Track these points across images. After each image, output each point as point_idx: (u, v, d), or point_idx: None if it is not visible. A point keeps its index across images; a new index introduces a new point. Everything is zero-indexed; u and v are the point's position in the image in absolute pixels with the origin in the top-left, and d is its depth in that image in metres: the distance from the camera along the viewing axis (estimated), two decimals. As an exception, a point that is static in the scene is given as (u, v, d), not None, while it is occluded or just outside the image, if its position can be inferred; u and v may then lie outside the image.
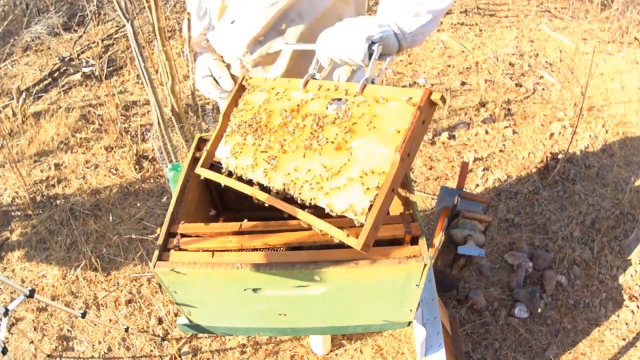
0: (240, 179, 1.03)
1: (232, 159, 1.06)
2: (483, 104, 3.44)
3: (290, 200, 0.91)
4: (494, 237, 2.57)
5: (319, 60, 1.04)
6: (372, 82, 0.92)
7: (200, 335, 2.13)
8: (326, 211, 0.86)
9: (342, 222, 0.86)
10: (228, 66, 1.38)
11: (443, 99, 0.80)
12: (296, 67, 1.29)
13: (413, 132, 0.79)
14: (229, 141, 1.09)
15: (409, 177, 1.15)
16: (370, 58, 0.93)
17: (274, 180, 0.94)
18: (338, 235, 0.82)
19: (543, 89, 3.64)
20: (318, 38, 1.02)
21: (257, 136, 1.02)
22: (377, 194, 0.79)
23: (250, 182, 1.01)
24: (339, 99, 0.94)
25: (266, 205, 0.96)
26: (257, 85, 1.13)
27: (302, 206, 0.89)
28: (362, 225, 0.79)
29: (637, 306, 2.25)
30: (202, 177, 1.13)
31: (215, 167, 1.13)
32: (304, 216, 0.88)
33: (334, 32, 0.99)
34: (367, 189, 0.81)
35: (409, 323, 1.16)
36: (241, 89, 1.16)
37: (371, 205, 0.79)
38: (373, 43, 0.93)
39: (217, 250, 0.98)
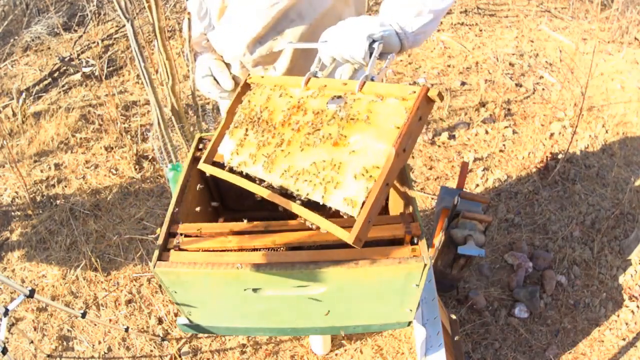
0: (240, 174, 1.04)
1: (233, 155, 1.07)
2: (483, 104, 3.44)
3: (289, 195, 0.92)
4: (494, 237, 2.57)
5: (321, 58, 1.04)
6: (372, 80, 0.93)
7: (200, 335, 2.13)
8: (321, 204, 0.86)
9: (341, 219, 0.86)
10: (228, 66, 1.39)
11: (440, 96, 0.81)
12: (297, 67, 1.29)
13: (409, 128, 0.80)
14: (231, 138, 1.11)
15: (409, 177, 1.15)
16: (371, 56, 0.94)
17: (272, 175, 0.95)
18: (331, 228, 0.83)
19: (543, 89, 3.64)
20: (320, 36, 1.02)
21: (258, 133, 1.04)
22: (372, 188, 0.79)
23: (250, 178, 1.02)
24: (339, 97, 0.94)
25: (259, 198, 0.97)
26: (260, 83, 1.14)
27: (301, 202, 0.90)
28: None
29: (637, 306, 2.25)
30: (208, 174, 1.14)
31: (218, 165, 1.14)
32: (299, 210, 0.89)
33: (336, 30, 0.99)
34: (362, 183, 0.81)
35: (409, 323, 1.16)
36: (246, 87, 1.17)
37: (365, 200, 0.79)
38: (374, 41, 0.94)
39: (217, 250, 0.98)
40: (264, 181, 0.98)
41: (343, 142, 0.88)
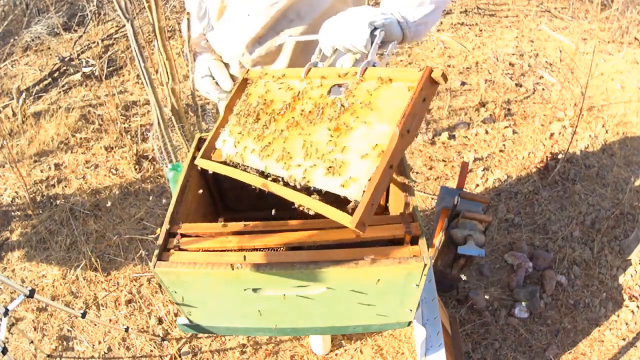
0: (237, 167, 1.04)
1: (231, 148, 1.06)
2: (483, 104, 3.44)
3: (288, 185, 0.92)
4: (494, 237, 2.57)
5: (321, 49, 1.04)
6: (374, 67, 0.92)
7: (200, 335, 2.13)
8: (323, 192, 0.85)
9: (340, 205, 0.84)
10: (227, 66, 1.39)
11: (444, 77, 0.79)
12: (296, 65, 1.29)
13: (413, 109, 0.78)
14: (230, 131, 1.11)
15: (409, 177, 1.15)
16: (372, 44, 0.93)
17: (270, 164, 0.95)
18: (331, 213, 0.81)
19: (543, 89, 3.64)
20: (321, 27, 1.02)
21: (256, 124, 1.03)
22: (375, 170, 0.78)
23: (248, 170, 1.02)
24: (340, 85, 0.94)
25: (266, 190, 0.96)
26: (259, 76, 1.14)
27: (300, 190, 0.88)
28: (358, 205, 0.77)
29: (637, 306, 2.25)
30: (210, 171, 1.13)
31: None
32: (297, 197, 0.87)
33: (337, 20, 0.99)
34: (365, 165, 0.80)
35: (409, 323, 1.15)
36: (244, 82, 1.17)
37: (368, 182, 0.77)
38: (376, 29, 0.93)
39: (217, 250, 0.98)
40: (262, 172, 0.97)
41: (344, 127, 0.87)
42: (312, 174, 0.86)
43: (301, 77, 1.02)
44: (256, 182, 0.97)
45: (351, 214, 0.77)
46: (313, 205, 0.84)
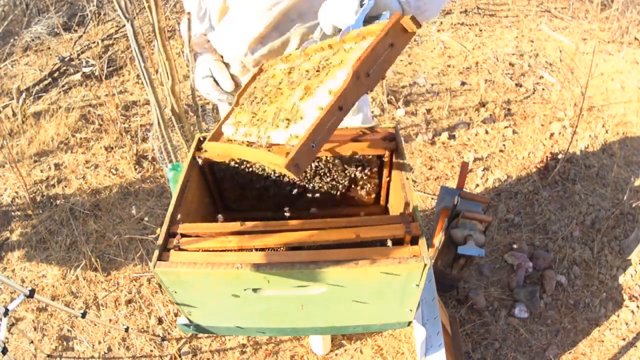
0: (231, 142, 1.08)
1: (231, 127, 1.10)
2: (483, 104, 3.44)
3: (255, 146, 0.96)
4: (494, 237, 2.57)
5: (322, 29, 1.07)
6: None
7: (200, 335, 2.13)
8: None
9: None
10: (227, 66, 1.39)
11: (414, 20, 0.76)
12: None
13: (374, 51, 0.75)
14: (235, 114, 1.15)
15: (408, 176, 1.15)
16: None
17: (249, 132, 0.98)
18: (268, 158, 0.81)
19: (543, 89, 3.64)
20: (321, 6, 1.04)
21: (254, 102, 1.07)
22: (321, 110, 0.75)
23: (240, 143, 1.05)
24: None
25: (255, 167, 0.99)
26: (271, 64, 1.18)
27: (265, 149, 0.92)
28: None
29: (637, 306, 2.25)
30: (204, 170, 1.15)
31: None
32: (245, 152, 0.90)
33: None
34: (316, 111, 0.79)
35: (409, 323, 1.15)
36: (259, 71, 1.21)
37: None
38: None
39: (217, 250, 0.98)
40: (248, 142, 1.00)
41: (314, 85, 0.88)
42: (274, 130, 0.89)
43: (298, 54, 1.05)
44: (232, 151, 1.01)
45: None
46: (250, 154, 0.88)
